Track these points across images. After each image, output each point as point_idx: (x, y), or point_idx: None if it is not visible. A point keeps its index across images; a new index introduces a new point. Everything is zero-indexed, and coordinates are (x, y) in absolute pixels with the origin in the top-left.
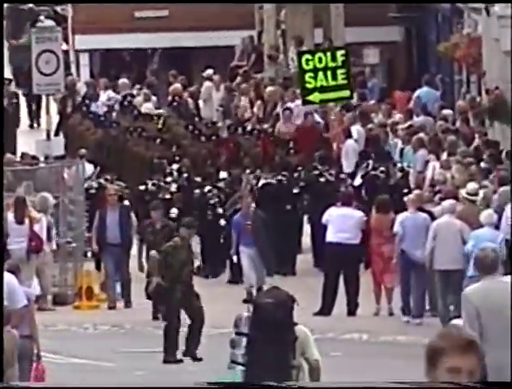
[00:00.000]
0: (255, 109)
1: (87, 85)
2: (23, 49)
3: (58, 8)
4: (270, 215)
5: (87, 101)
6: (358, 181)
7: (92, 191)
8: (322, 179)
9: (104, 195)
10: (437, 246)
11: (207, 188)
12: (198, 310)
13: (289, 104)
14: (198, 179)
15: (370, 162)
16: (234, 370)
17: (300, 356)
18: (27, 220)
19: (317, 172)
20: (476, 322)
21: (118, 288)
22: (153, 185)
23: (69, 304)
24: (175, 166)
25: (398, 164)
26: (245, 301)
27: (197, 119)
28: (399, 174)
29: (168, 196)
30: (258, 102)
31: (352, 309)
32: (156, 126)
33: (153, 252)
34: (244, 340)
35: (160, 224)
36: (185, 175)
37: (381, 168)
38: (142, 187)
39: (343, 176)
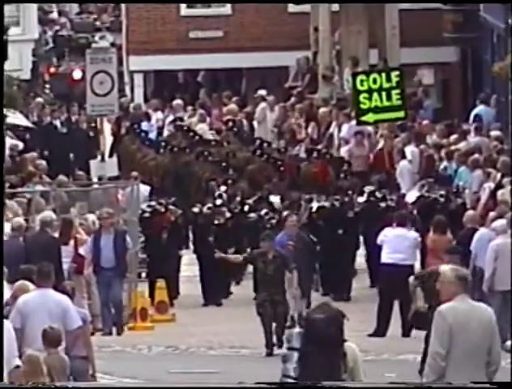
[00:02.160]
0: (309, 130)
1: (134, 109)
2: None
3: (111, 37)
4: (323, 238)
5: (139, 123)
6: (411, 198)
7: (146, 215)
8: (382, 204)
9: (159, 219)
10: (498, 267)
11: (264, 211)
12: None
13: (361, 128)
14: (250, 202)
15: (425, 183)
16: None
17: (349, 373)
18: (72, 242)
19: (380, 196)
20: (447, 340)
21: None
22: (208, 208)
23: (123, 325)
24: (228, 189)
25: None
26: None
27: (266, 144)
28: (459, 200)
29: (222, 221)
30: (312, 123)
31: (406, 330)
32: (222, 151)
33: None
34: (295, 355)
35: (272, 253)
36: (238, 198)
37: (441, 192)
38: (196, 210)
39: (404, 201)
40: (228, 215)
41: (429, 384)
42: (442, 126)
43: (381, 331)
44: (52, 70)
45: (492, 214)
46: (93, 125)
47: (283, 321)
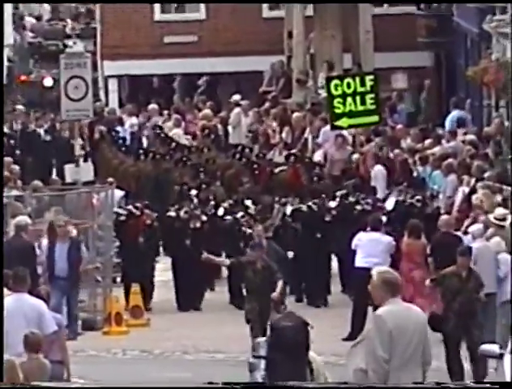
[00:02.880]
0: (283, 135)
1: (108, 113)
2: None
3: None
4: (299, 242)
5: (114, 129)
6: (390, 205)
7: (122, 218)
8: (358, 207)
9: (134, 222)
10: (477, 270)
11: (240, 214)
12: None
13: (343, 131)
14: (226, 205)
15: (402, 188)
16: None
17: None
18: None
19: (353, 200)
20: (389, 344)
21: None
22: (185, 213)
23: (98, 329)
24: (200, 193)
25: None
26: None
27: (247, 150)
28: (435, 204)
29: (198, 225)
30: (286, 128)
31: None
32: (202, 157)
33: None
34: (262, 363)
35: (261, 263)
36: (213, 203)
37: (418, 197)
38: (172, 214)
39: (380, 204)
40: (204, 218)
41: (426, 385)
42: (416, 130)
43: (355, 335)
44: (23, 77)
45: (468, 220)
46: (87, 133)
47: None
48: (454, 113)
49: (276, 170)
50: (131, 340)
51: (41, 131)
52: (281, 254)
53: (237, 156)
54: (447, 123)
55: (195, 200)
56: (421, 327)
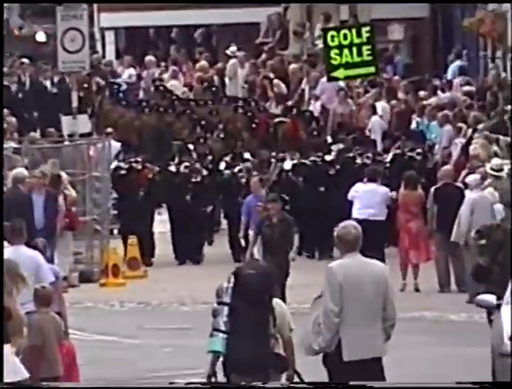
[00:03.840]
0: (281, 87)
1: (105, 65)
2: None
3: None
4: (301, 196)
5: (112, 80)
6: (388, 158)
7: (123, 172)
8: (358, 161)
9: (136, 177)
10: (473, 221)
11: (237, 168)
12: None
13: (341, 84)
14: (227, 159)
15: (400, 142)
16: (216, 338)
17: (277, 328)
18: (61, 197)
19: (352, 154)
20: (338, 297)
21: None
22: (185, 167)
23: (95, 281)
24: (199, 148)
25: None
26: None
27: (248, 102)
28: (437, 156)
29: (199, 178)
30: (275, 81)
31: None
32: (205, 110)
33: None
34: (225, 309)
35: (278, 217)
36: (210, 157)
37: (418, 150)
38: (173, 169)
39: (380, 157)
40: (204, 172)
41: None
42: (405, 81)
43: None
44: (15, 32)
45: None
46: (85, 86)
47: (285, 283)
48: (457, 63)
49: (274, 122)
50: (128, 292)
51: (48, 84)
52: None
53: (240, 109)
54: (449, 72)
55: (194, 154)
56: (379, 282)
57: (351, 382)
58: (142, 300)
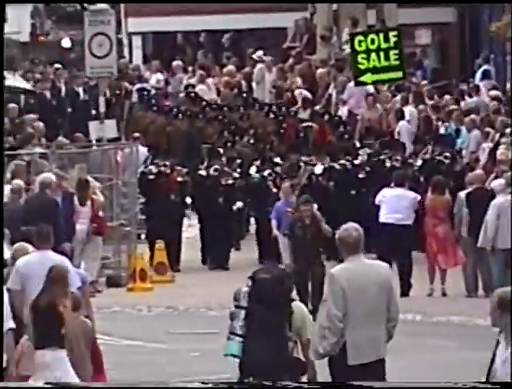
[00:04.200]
0: (306, 92)
1: (132, 70)
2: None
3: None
4: (333, 200)
5: (140, 85)
6: (418, 163)
7: (151, 177)
8: (387, 164)
9: (165, 181)
10: (500, 226)
11: (267, 172)
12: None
13: (369, 89)
14: (257, 163)
15: (429, 147)
16: (233, 341)
17: (295, 332)
18: (89, 202)
19: (383, 157)
20: (342, 302)
21: None
22: (215, 170)
23: (123, 286)
24: (227, 153)
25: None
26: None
27: (278, 107)
28: (465, 161)
29: (230, 182)
30: (305, 85)
31: (405, 290)
32: (235, 115)
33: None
34: (242, 313)
35: (310, 220)
36: (238, 161)
37: (446, 154)
38: (203, 172)
39: (410, 161)
40: (236, 175)
41: (428, 384)
42: (429, 87)
43: None
44: (41, 38)
45: (492, 175)
46: (117, 92)
47: (321, 286)
48: (485, 67)
49: (303, 126)
50: (156, 297)
51: (80, 90)
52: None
53: (271, 114)
54: (477, 77)
55: (224, 158)
56: (383, 283)
57: (354, 383)
58: (169, 304)
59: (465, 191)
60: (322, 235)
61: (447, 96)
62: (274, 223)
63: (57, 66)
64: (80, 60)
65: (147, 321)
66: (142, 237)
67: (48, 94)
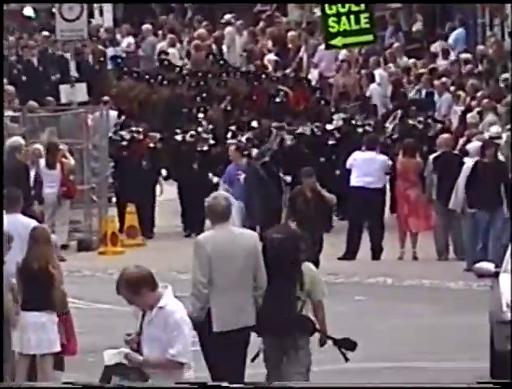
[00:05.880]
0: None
1: (106, 31)
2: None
3: None
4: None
5: (113, 51)
6: (389, 129)
7: (124, 143)
8: (360, 130)
9: (138, 145)
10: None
11: (243, 138)
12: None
13: (342, 55)
14: (233, 128)
15: (399, 111)
16: None
17: (306, 292)
18: (58, 166)
19: (355, 122)
20: (207, 269)
21: None
22: (191, 136)
23: (94, 250)
24: (201, 115)
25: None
26: None
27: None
28: (439, 126)
29: (205, 148)
30: (278, 47)
31: (376, 254)
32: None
33: None
34: None
35: (312, 192)
36: (210, 126)
37: (420, 119)
38: (179, 138)
39: (383, 125)
40: (211, 142)
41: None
42: (400, 48)
43: (350, 254)
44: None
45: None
46: (101, 59)
47: (318, 258)
48: (459, 31)
49: (275, 91)
50: (127, 260)
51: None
52: (260, 176)
53: (243, 79)
54: (451, 40)
55: (204, 123)
56: (250, 252)
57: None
58: None
59: (434, 155)
60: (325, 206)
61: (419, 60)
62: (222, 187)
63: (46, 33)
64: (43, 29)
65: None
66: (113, 200)
67: (35, 61)
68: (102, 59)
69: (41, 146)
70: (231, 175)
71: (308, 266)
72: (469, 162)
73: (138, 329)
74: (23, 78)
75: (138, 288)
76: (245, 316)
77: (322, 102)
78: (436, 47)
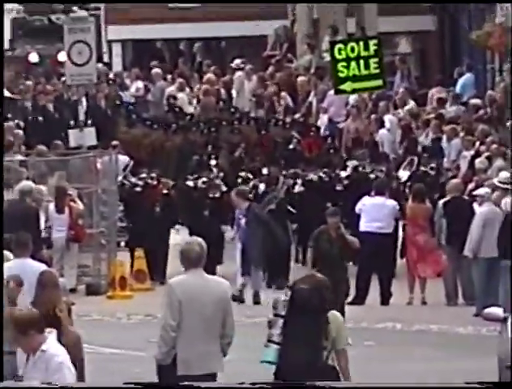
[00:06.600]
0: (287, 99)
1: (115, 75)
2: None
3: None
4: (313, 213)
5: (119, 93)
6: (405, 176)
7: (138, 189)
8: (372, 176)
9: (151, 193)
10: (485, 234)
11: (251, 184)
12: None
13: (353, 100)
14: (243, 174)
15: (415, 158)
16: (270, 349)
17: (331, 341)
18: (67, 210)
19: (366, 170)
20: (177, 312)
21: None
22: (203, 183)
23: (102, 294)
24: (213, 162)
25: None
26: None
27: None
28: (450, 173)
29: (218, 195)
30: (283, 93)
31: (385, 299)
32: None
33: None
34: (280, 321)
35: (337, 232)
36: (221, 174)
37: (432, 165)
38: (190, 184)
39: (394, 173)
40: (223, 188)
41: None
42: (406, 93)
43: (359, 299)
44: (8, 53)
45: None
46: (118, 102)
47: (344, 301)
48: (468, 76)
49: (288, 138)
50: (135, 305)
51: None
52: (261, 219)
53: (259, 126)
54: (458, 86)
55: (215, 170)
56: (220, 299)
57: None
58: (148, 312)
59: (443, 200)
60: (348, 248)
61: (429, 106)
62: (235, 228)
63: (63, 78)
64: (49, 74)
65: (126, 329)
66: (122, 244)
67: (50, 106)
68: (118, 103)
69: (45, 187)
70: (236, 220)
71: (334, 314)
72: (483, 208)
73: (20, 373)
74: (38, 123)
75: (26, 328)
76: (212, 363)
77: (332, 149)
78: (432, 93)
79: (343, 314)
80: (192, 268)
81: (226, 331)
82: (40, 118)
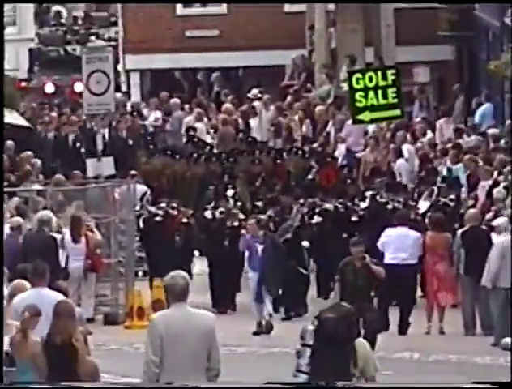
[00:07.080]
0: (303, 129)
1: (132, 107)
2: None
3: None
4: (329, 243)
5: (143, 123)
6: (424, 207)
7: (158, 218)
8: (389, 206)
9: (171, 222)
10: (503, 265)
11: (267, 214)
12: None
13: (370, 131)
14: (259, 204)
15: (435, 188)
16: (298, 379)
17: (360, 368)
18: (83, 239)
19: (384, 200)
20: (159, 348)
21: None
22: (221, 213)
23: (120, 324)
24: (230, 192)
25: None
26: (254, 333)
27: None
28: (470, 202)
29: (236, 223)
30: (307, 121)
31: (403, 329)
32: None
33: None
34: (308, 351)
35: (361, 262)
36: (239, 204)
37: (451, 196)
38: (208, 214)
39: (412, 203)
40: (241, 217)
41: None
42: (422, 123)
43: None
44: (23, 84)
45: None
46: (141, 132)
47: (375, 329)
48: (486, 106)
49: (307, 168)
50: None
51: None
52: (278, 246)
53: (277, 156)
54: (477, 116)
55: (231, 200)
56: (204, 333)
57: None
58: None
59: (461, 230)
60: (374, 278)
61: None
62: (246, 254)
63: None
64: (65, 104)
65: (144, 359)
66: (140, 274)
67: (71, 137)
68: (142, 132)
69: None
70: (248, 246)
71: (360, 342)
72: (501, 238)
73: None
74: (58, 153)
75: None
76: None
77: (349, 179)
78: (440, 124)
79: (374, 342)
80: (176, 302)
81: (211, 365)
82: (61, 148)
